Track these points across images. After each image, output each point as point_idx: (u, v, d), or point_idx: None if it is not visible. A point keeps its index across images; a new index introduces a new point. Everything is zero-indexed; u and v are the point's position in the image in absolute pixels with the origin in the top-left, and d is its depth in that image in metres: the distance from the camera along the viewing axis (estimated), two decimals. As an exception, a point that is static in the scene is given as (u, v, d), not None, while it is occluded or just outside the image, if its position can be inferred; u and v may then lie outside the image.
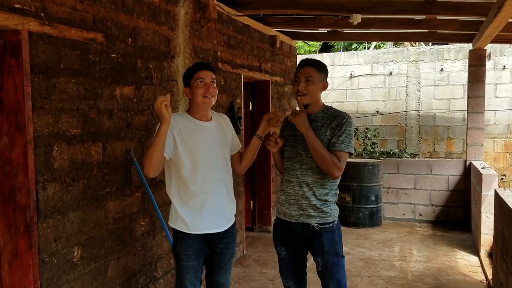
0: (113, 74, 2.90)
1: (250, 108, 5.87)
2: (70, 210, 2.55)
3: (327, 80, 2.60)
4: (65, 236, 2.52)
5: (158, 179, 3.40)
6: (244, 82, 5.06)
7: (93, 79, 2.72)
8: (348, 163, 2.93)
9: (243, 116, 5.02)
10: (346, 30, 6.19)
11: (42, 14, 2.34)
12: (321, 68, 2.55)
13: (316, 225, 2.51)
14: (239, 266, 4.75)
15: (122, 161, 2.99)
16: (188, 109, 2.61)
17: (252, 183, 5.94)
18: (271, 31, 5.83)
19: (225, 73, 4.55)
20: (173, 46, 3.59)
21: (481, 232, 4.94)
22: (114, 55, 2.90)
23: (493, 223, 4.23)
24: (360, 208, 6.32)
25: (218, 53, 4.37)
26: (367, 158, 7.12)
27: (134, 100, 3.12)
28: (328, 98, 10.09)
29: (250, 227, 5.99)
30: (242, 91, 4.99)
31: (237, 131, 4.69)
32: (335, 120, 2.51)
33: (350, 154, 2.54)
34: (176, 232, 2.55)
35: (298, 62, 2.68)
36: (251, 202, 6.00)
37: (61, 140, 2.49)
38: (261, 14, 5.46)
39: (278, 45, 6.01)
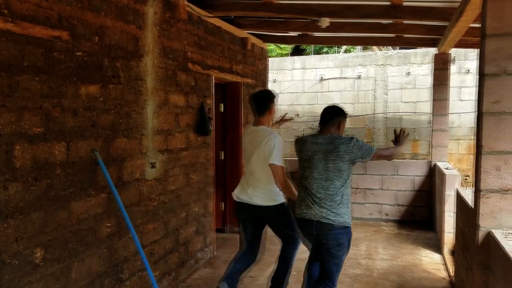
0: (79, 72, 2.86)
1: (221, 110, 5.88)
2: (32, 210, 2.50)
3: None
4: (27, 236, 2.47)
5: (125, 180, 3.37)
6: (215, 83, 5.07)
7: (57, 77, 2.68)
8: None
9: (213, 118, 5.02)
10: (316, 34, 6.28)
11: (6, 11, 2.29)
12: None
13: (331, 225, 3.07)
14: (208, 267, 4.75)
15: (87, 161, 2.95)
16: (271, 123, 3.75)
17: (223, 185, 5.93)
18: (242, 33, 5.86)
19: (196, 74, 4.55)
20: (142, 45, 3.57)
21: (445, 230, 5.10)
22: (80, 53, 2.86)
23: (455, 221, 4.38)
24: (329, 209, 6.40)
25: (188, 53, 4.37)
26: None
27: (101, 99, 3.08)
28: (300, 100, 10.20)
29: (221, 228, 5.99)
30: (213, 92, 4.99)
31: (208, 132, 4.69)
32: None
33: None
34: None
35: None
36: (222, 204, 5.99)
37: (24, 139, 2.44)
38: (232, 16, 5.49)
39: (249, 47, 6.05)
